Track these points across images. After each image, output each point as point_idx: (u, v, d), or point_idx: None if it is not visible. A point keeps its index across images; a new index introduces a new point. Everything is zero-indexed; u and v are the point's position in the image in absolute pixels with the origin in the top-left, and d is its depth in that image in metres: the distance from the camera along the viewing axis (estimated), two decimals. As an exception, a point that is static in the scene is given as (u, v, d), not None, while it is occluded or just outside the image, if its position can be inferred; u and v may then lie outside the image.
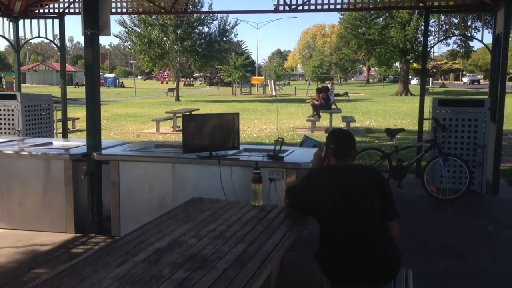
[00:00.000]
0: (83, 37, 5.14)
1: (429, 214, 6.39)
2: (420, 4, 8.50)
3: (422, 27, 12.28)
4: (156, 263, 2.34)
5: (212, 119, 5.07)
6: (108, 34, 5.22)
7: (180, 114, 11.76)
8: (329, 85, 29.88)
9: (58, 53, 9.43)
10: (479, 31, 20.78)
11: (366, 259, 2.84)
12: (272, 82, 48.40)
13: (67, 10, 9.01)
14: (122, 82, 73.29)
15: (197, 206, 3.47)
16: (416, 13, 38.60)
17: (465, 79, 71.17)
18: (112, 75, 78.26)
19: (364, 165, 3.41)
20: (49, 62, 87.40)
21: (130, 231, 2.87)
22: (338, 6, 8.33)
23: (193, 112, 16.55)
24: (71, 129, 14.81)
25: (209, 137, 4.83)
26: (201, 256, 2.44)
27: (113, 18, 34.48)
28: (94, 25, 5.05)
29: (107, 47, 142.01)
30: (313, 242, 3.11)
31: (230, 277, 2.18)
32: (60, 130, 10.02)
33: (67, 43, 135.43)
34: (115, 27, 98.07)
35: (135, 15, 33.30)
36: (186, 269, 2.26)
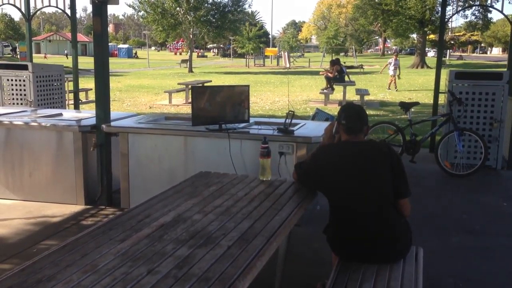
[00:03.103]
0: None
1: (442, 190, 6.29)
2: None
3: (441, -3, 11.90)
4: (160, 239, 2.29)
5: (222, 91, 4.96)
6: (117, 2, 5.11)
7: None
8: (393, 59, 22.12)
9: (71, 23, 9.29)
10: (498, 1, 20.13)
11: (375, 237, 2.78)
12: (286, 53, 47.88)
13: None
14: (136, 53, 73.18)
15: (204, 180, 3.41)
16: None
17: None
18: (125, 46, 78.01)
19: (376, 141, 3.32)
20: (63, 32, 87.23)
21: (137, 205, 2.83)
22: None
23: (205, 84, 16.48)
24: (84, 100, 14.84)
25: (219, 109, 4.74)
26: (206, 232, 2.39)
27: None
28: (102, -7, 4.94)
29: (120, 17, 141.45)
30: (325, 216, 3.05)
31: (234, 254, 2.13)
32: (72, 101, 9.99)
33: (81, 13, 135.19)
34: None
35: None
36: (189, 246, 2.21)
